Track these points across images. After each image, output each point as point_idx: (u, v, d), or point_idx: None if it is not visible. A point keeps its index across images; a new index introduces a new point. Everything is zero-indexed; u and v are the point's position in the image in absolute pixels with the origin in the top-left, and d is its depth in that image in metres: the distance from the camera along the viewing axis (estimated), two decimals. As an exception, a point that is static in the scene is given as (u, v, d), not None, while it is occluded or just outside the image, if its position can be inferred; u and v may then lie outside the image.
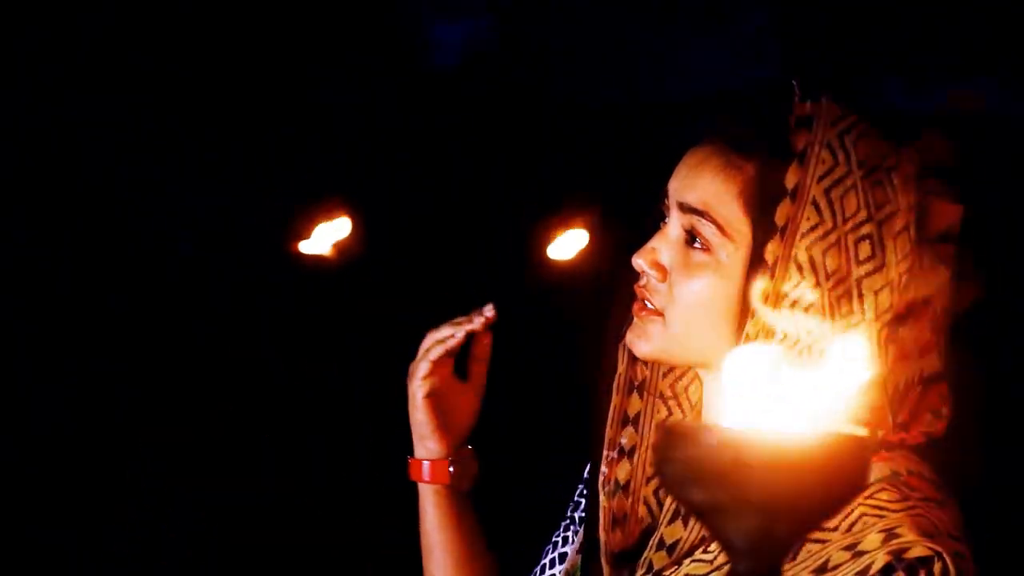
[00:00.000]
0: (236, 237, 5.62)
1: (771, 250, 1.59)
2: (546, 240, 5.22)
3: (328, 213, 4.64)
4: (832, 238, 1.58)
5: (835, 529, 1.54)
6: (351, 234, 4.59)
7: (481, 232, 5.94)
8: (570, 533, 1.94)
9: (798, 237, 1.58)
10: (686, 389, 1.79)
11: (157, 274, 5.58)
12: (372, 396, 5.67)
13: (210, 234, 5.66)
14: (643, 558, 1.71)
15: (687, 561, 1.66)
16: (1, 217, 5.32)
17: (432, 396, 1.96)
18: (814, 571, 1.54)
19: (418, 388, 1.96)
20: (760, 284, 1.58)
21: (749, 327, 1.58)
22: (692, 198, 1.66)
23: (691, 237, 1.66)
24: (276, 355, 5.63)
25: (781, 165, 1.61)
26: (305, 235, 4.39)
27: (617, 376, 1.79)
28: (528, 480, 5.12)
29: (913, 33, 5.61)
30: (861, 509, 1.54)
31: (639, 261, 1.69)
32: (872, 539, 1.52)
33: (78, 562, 5.01)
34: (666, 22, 6.16)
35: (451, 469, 1.98)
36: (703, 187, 1.66)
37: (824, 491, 1.01)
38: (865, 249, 1.58)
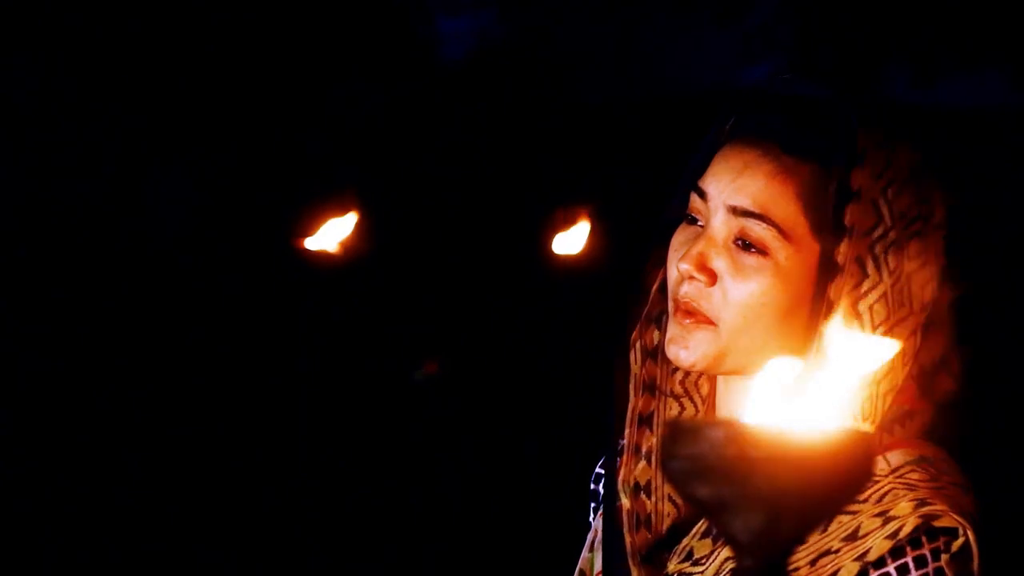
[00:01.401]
0: (241, 235, 5.61)
1: (842, 251, 1.61)
2: (552, 234, 5.21)
3: (334, 209, 4.63)
4: (891, 236, 1.61)
5: (865, 501, 1.57)
6: (356, 230, 4.59)
7: (487, 226, 5.92)
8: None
9: (862, 236, 1.61)
10: (696, 383, 1.78)
11: (159, 274, 5.57)
12: (378, 394, 5.67)
13: (215, 232, 5.65)
14: (682, 545, 1.71)
15: (718, 544, 1.67)
16: (1, 217, 5.32)
17: None
18: (844, 539, 1.57)
19: None
20: (835, 285, 1.59)
21: (824, 327, 1.59)
22: (746, 201, 1.64)
23: (741, 241, 1.65)
24: (279, 354, 5.62)
25: (841, 166, 1.62)
26: (311, 232, 4.38)
27: (632, 376, 1.78)
28: (538, 477, 5.12)
29: (922, 26, 5.60)
30: (891, 485, 1.58)
31: (686, 266, 1.65)
32: (903, 506, 1.55)
33: (78, 562, 5.00)
34: (675, 14, 6.15)
35: None
36: (757, 190, 1.65)
37: (829, 486, 1.01)
38: (916, 246, 1.61)
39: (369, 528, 5.25)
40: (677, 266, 1.66)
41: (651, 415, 1.78)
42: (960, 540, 1.54)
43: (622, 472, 1.75)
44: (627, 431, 1.77)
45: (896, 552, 1.54)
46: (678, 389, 1.78)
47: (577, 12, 6.30)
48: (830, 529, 1.57)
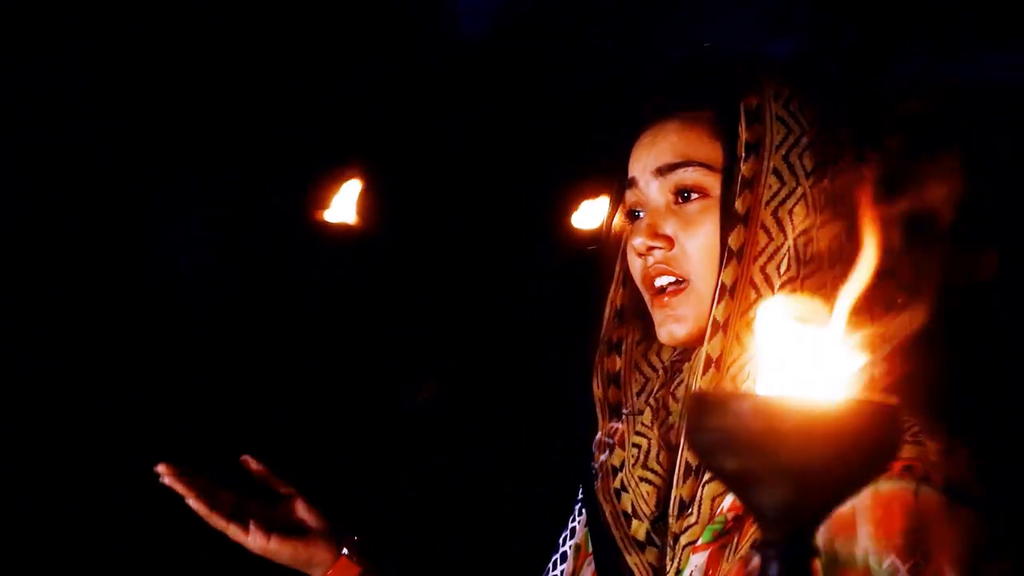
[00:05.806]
0: (241, 234, 5.61)
1: (749, 166, 1.65)
2: (554, 231, 5.22)
3: (347, 182, 4.62)
4: (804, 141, 1.66)
5: None
6: (356, 229, 4.59)
7: (488, 222, 5.93)
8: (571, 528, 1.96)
9: (776, 149, 1.65)
10: (658, 397, 1.82)
11: (158, 273, 5.57)
12: (377, 394, 5.67)
13: (215, 232, 5.65)
14: (672, 499, 1.73)
15: (701, 480, 1.70)
16: (2, 216, 5.32)
17: (275, 536, 2.03)
18: None
19: (259, 545, 1.99)
20: (742, 198, 1.63)
21: (732, 239, 1.63)
22: (667, 157, 1.72)
23: (679, 195, 1.70)
24: (279, 354, 5.63)
25: (736, 94, 1.70)
26: (326, 204, 4.37)
27: (597, 401, 1.82)
28: (536, 477, 5.12)
29: (943, 3, 5.58)
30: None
31: (640, 240, 1.72)
32: None
33: (78, 562, 5.00)
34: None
35: (346, 553, 2.04)
36: (673, 144, 1.72)
37: (856, 459, 1.01)
38: (833, 149, 1.66)
39: (369, 528, 5.25)
40: (633, 246, 1.71)
41: (620, 435, 1.80)
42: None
43: (599, 487, 1.79)
44: (599, 454, 1.81)
45: None
46: (642, 406, 1.81)
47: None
48: None
